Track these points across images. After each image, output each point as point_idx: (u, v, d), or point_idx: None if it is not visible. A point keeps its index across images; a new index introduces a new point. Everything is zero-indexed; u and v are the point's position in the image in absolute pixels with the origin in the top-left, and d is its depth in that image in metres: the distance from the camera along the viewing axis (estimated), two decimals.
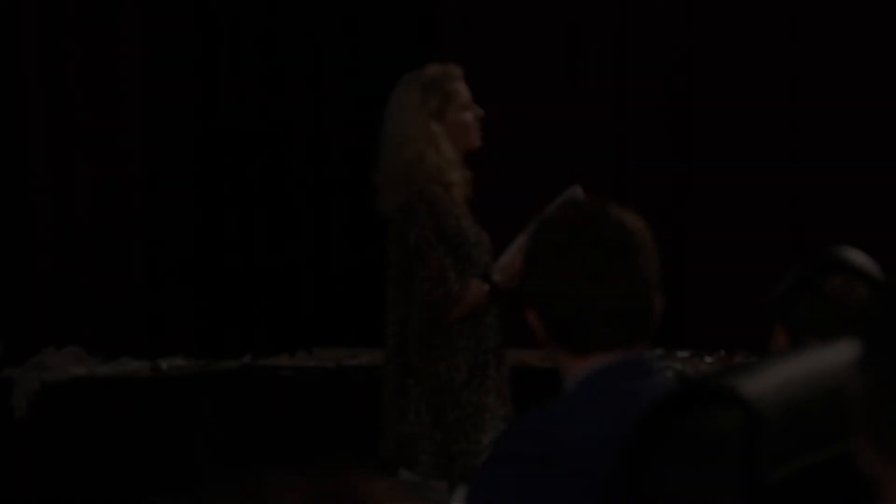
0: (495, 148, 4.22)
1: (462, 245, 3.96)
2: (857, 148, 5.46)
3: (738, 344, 5.24)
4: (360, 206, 5.81)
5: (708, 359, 5.08)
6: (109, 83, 6.03)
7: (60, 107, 6.06)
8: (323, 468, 1.08)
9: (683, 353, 5.11)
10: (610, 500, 1.80)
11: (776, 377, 1.76)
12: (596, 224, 2.05)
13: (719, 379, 1.75)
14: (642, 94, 5.67)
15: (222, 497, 1.07)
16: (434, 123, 3.98)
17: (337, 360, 5.34)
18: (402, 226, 3.95)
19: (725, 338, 5.34)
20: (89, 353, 5.61)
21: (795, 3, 5.56)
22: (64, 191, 6.08)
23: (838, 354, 1.84)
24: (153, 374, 5.35)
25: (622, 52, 5.69)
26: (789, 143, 5.56)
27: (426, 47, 5.71)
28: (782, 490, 1.71)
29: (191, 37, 6.06)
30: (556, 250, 2.05)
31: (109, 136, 6.07)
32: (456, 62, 4.07)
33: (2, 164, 6.09)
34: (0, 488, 5.19)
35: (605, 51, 5.71)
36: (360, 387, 4.90)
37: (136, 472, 5.15)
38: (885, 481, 1.22)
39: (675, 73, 5.66)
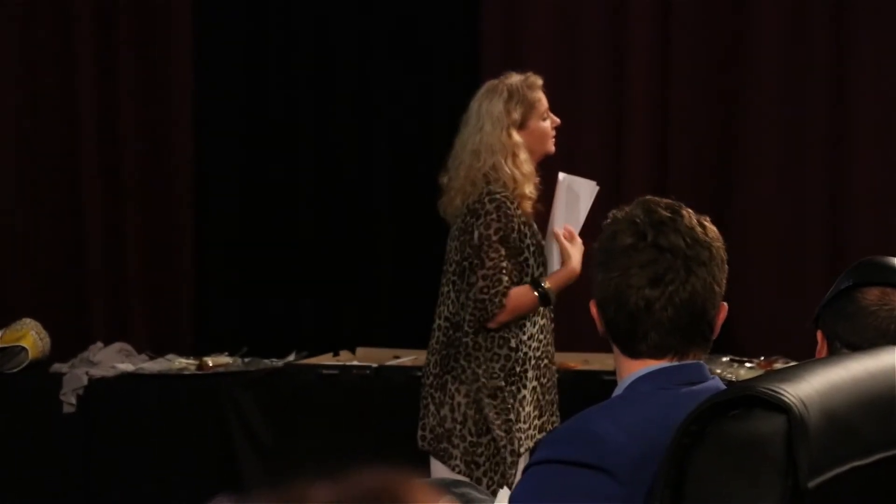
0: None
1: (521, 253, 4.05)
2: None
3: (779, 349, 5.25)
4: (406, 208, 5.87)
5: (748, 364, 5.09)
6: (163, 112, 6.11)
7: (110, 114, 6.14)
8: (364, 468, 1.10)
9: (724, 358, 5.12)
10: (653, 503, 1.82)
11: (819, 383, 1.78)
12: (665, 230, 2.03)
13: (762, 384, 1.78)
14: (682, 97, 5.68)
15: (265, 495, 1.09)
16: (515, 133, 4.06)
17: (379, 360, 5.37)
18: (468, 223, 4.03)
19: (765, 343, 5.35)
20: (136, 350, 5.68)
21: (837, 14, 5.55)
22: (112, 188, 6.15)
23: (881, 361, 1.87)
24: (199, 371, 5.39)
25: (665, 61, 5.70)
26: (830, 148, 5.56)
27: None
28: (823, 494, 1.73)
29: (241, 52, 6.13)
30: (623, 252, 2.03)
31: (159, 139, 6.13)
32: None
33: (53, 162, 6.17)
34: (48, 483, 5.25)
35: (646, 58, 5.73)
36: (402, 387, 4.93)
37: (181, 468, 5.19)
38: None
39: (717, 77, 5.66)
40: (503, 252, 4.01)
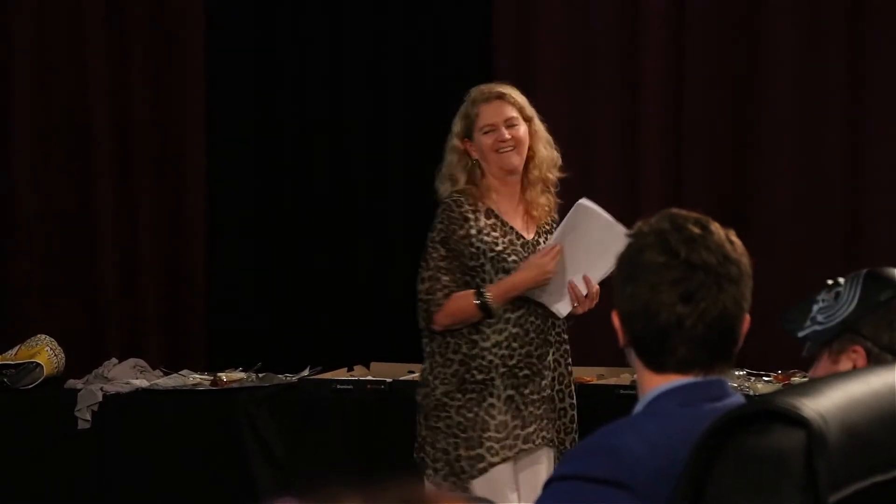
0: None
1: (473, 257, 4.05)
2: None
3: (795, 363, 5.23)
4: (421, 223, 5.86)
5: (766, 378, 5.07)
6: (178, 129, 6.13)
7: (125, 133, 6.15)
8: (387, 482, 1.09)
9: (741, 372, 5.10)
10: None
11: (839, 397, 1.77)
12: (696, 247, 2.02)
13: (781, 399, 1.76)
14: (698, 108, 5.67)
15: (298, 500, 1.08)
16: (467, 143, 4.12)
17: (394, 374, 5.36)
18: None
19: (782, 357, 5.33)
20: (151, 366, 5.68)
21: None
22: (127, 208, 6.16)
23: None
24: (213, 387, 5.39)
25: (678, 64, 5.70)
26: (845, 162, 5.54)
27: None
28: None
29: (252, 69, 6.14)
30: (653, 267, 2.01)
31: (174, 162, 6.15)
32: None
33: (67, 178, 6.19)
34: (63, 498, 5.25)
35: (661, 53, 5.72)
36: (416, 401, 4.92)
37: (195, 483, 5.19)
38: None
39: (734, 85, 5.65)
40: (443, 253, 4.06)
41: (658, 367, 2.04)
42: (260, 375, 5.50)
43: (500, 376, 4.05)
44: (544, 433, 4.09)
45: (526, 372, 4.07)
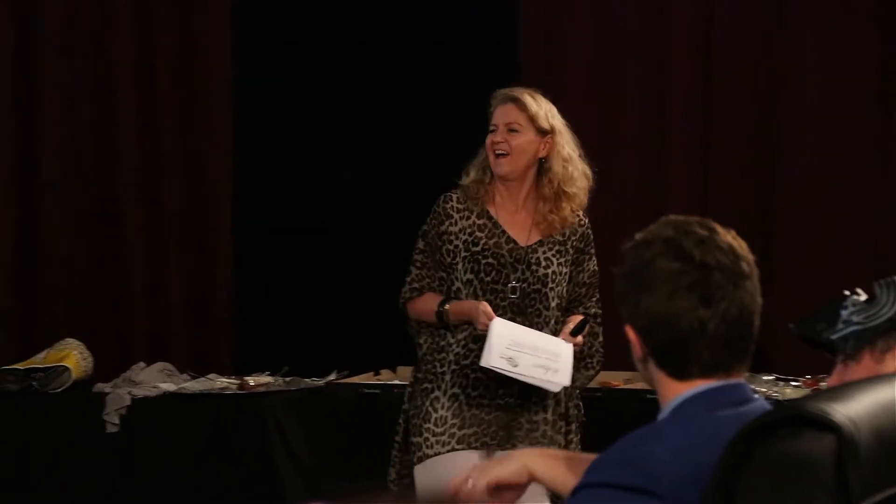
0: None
1: (447, 253, 4.08)
2: None
3: (824, 368, 5.20)
4: None
5: (794, 382, 5.05)
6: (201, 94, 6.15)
7: (151, 130, 6.18)
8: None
9: (768, 377, 5.08)
10: None
11: (870, 402, 1.76)
12: (708, 247, 2.02)
13: (811, 403, 1.76)
14: (728, 111, 5.65)
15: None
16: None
17: None
18: None
19: (810, 361, 5.30)
20: (178, 369, 5.69)
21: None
22: (154, 211, 6.19)
23: None
24: (240, 391, 5.40)
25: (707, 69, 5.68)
26: (875, 155, 5.52)
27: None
28: None
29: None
30: (666, 274, 2.01)
31: (198, 168, 6.17)
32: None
33: (96, 186, 6.22)
34: (92, 501, 5.27)
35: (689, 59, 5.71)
36: None
37: (222, 486, 5.20)
38: None
39: (761, 91, 5.64)
40: (420, 246, 4.13)
41: (682, 374, 2.03)
42: (287, 379, 5.50)
43: (451, 373, 4.06)
44: (486, 439, 4.03)
45: (479, 375, 4.03)
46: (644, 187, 5.69)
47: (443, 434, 4.03)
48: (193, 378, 5.59)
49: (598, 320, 4.15)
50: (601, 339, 4.17)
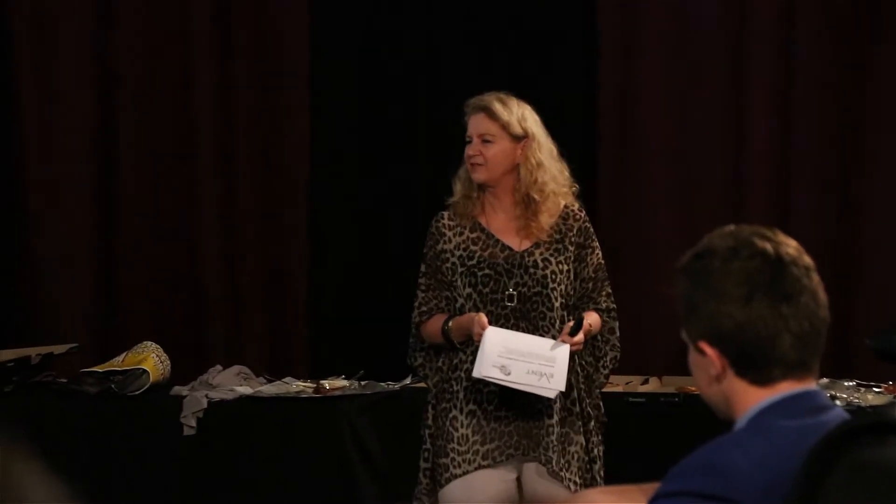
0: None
1: (446, 271, 4.09)
2: None
3: None
4: None
5: (875, 388, 4.98)
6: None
7: (228, 142, 6.22)
8: None
9: (849, 383, 5.02)
10: None
11: None
12: (778, 243, 2.01)
13: (893, 410, 1.73)
14: (808, 116, 5.60)
15: None
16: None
17: None
18: None
19: (892, 367, 5.23)
20: (254, 373, 5.72)
21: None
22: (230, 214, 6.23)
23: None
24: (316, 394, 5.41)
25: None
26: None
27: None
28: None
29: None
30: (743, 275, 1.98)
31: (274, 167, 6.20)
32: None
33: (174, 190, 6.27)
34: None
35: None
36: None
37: (298, 490, 5.22)
38: None
39: (845, 104, 5.57)
40: (423, 269, 4.15)
41: (765, 379, 2.00)
42: (362, 383, 5.51)
43: (463, 390, 4.05)
44: (511, 451, 4.02)
45: (492, 388, 4.01)
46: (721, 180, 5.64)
47: (467, 452, 4.03)
48: (269, 381, 5.61)
49: (613, 314, 4.10)
50: (618, 333, 4.12)
